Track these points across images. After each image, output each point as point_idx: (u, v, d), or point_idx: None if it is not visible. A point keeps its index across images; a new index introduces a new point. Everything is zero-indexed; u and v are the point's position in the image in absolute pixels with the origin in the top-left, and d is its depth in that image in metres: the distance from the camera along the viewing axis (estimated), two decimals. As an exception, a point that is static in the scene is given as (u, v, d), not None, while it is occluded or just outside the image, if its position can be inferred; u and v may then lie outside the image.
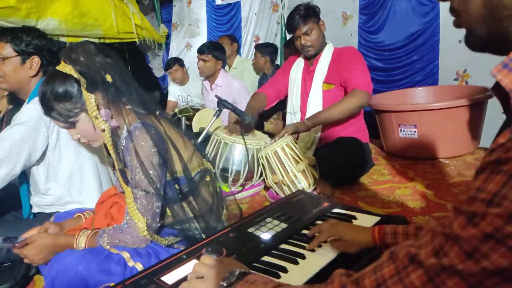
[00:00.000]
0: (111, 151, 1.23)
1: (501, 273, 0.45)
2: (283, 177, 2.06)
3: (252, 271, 0.79)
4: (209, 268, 0.79)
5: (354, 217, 1.26)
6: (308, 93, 2.40)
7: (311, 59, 2.43)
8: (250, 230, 1.17)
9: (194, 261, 0.97)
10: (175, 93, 4.19)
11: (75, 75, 1.16)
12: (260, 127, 2.60)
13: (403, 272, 0.54)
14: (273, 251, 1.06)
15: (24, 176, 1.67)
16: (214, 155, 2.27)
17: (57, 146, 1.57)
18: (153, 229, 1.18)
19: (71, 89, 1.18)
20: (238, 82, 3.28)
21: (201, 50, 3.21)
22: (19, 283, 1.50)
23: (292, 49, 3.09)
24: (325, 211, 1.31)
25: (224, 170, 2.27)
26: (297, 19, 2.26)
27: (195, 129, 3.05)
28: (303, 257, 1.02)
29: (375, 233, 1.00)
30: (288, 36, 3.54)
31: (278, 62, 4.04)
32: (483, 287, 0.47)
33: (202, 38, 5.31)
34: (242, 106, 2.53)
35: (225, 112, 2.55)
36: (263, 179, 2.29)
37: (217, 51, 3.20)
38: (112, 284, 1.05)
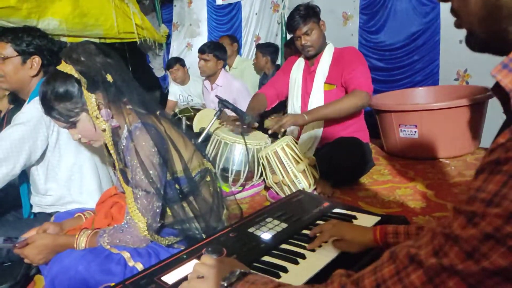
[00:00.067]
0: (111, 151, 1.23)
1: (501, 273, 0.45)
2: (283, 177, 2.06)
3: (252, 271, 0.79)
4: (209, 268, 0.79)
5: (355, 217, 1.26)
6: (309, 93, 2.39)
7: (312, 59, 2.43)
8: (251, 230, 1.17)
9: (194, 261, 0.97)
10: (176, 93, 4.20)
11: (76, 75, 1.16)
12: (260, 127, 2.60)
13: (403, 272, 0.54)
14: (273, 251, 1.06)
15: (24, 176, 1.67)
16: (215, 155, 2.27)
17: (57, 146, 1.57)
18: (153, 229, 1.18)
19: (72, 89, 1.18)
20: (238, 82, 3.28)
21: (202, 50, 3.22)
22: (20, 283, 1.50)
23: (292, 49, 3.09)
24: (325, 211, 1.31)
25: (225, 170, 2.27)
26: (297, 19, 2.26)
27: (196, 129, 3.05)
28: (303, 257, 1.02)
29: (377, 233, 1.00)
30: (289, 36, 3.54)
31: (278, 62, 4.04)
32: (483, 287, 0.47)
33: (202, 38, 5.31)
34: (243, 106, 2.53)
35: (226, 112, 2.56)
36: (264, 179, 2.29)
37: (218, 50, 3.20)
38: (113, 284, 1.05)
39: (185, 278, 0.86)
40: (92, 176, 1.65)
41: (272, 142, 2.25)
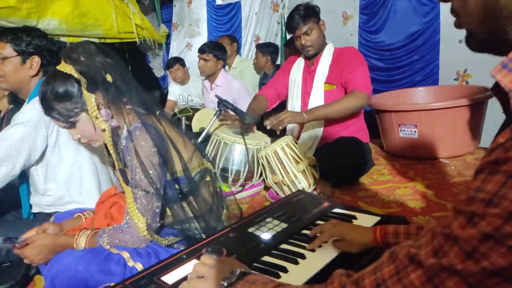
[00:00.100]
0: (111, 151, 1.23)
1: (500, 273, 0.45)
2: (283, 177, 2.06)
3: (252, 271, 0.79)
4: (209, 268, 0.79)
5: (354, 217, 1.25)
6: (309, 93, 2.39)
7: (312, 59, 2.43)
8: (250, 230, 1.17)
9: (194, 261, 0.97)
10: (176, 93, 4.20)
11: (76, 75, 1.16)
12: (260, 126, 2.60)
13: (402, 272, 0.54)
14: (273, 251, 1.06)
15: (24, 176, 1.67)
16: (214, 155, 2.27)
17: (56, 146, 1.57)
18: (153, 229, 1.18)
19: (72, 89, 1.18)
20: (238, 82, 3.28)
21: (202, 50, 3.22)
22: (19, 283, 1.50)
23: (292, 48, 3.09)
24: (325, 211, 1.31)
25: (224, 170, 2.27)
26: (297, 19, 2.26)
27: (195, 129, 3.05)
28: (303, 257, 1.02)
29: (377, 233, 1.00)
30: (289, 36, 3.54)
31: (278, 62, 4.04)
32: (483, 287, 0.47)
33: (202, 38, 5.31)
34: (242, 106, 2.53)
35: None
36: (263, 179, 2.29)
37: (218, 50, 3.20)
38: (112, 284, 1.05)
39: (185, 278, 0.86)
40: (92, 176, 1.65)
41: (272, 142, 2.25)
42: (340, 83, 2.30)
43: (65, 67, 1.18)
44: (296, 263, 0.99)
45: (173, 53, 5.49)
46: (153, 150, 1.16)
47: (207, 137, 2.37)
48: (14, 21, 3.31)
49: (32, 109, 1.51)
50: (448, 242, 0.49)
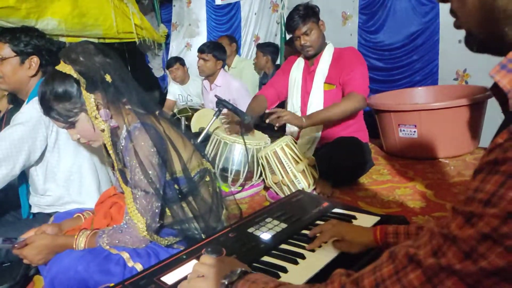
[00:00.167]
0: (110, 151, 1.23)
1: (498, 273, 0.45)
2: (282, 177, 2.06)
3: (253, 271, 0.79)
4: (209, 267, 0.79)
5: (354, 217, 1.25)
6: (309, 93, 2.40)
7: (312, 59, 2.43)
8: (250, 230, 1.17)
9: (194, 261, 0.97)
10: (175, 92, 4.20)
11: (75, 75, 1.16)
12: (260, 126, 2.60)
13: (401, 272, 0.54)
14: (273, 251, 1.06)
15: (23, 176, 1.66)
16: (214, 155, 2.27)
17: (56, 146, 1.57)
18: (152, 229, 1.18)
19: (71, 89, 1.18)
20: (237, 82, 3.28)
21: (201, 50, 3.22)
22: (19, 283, 1.49)
23: (293, 47, 3.09)
24: (325, 211, 1.31)
25: (224, 170, 2.27)
26: (296, 19, 2.26)
27: (194, 129, 3.05)
28: (303, 257, 1.02)
29: (377, 233, 1.00)
30: (288, 36, 3.54)
31: (278, 62, 4.05)
32: (481, 287, 0.47)
33: (201, 38, 5.31)
34: (242, 106, 2.53)
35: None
36: (263, 179, 2.29)
37: (217, 51, 3.20)
38: (112, 284, 1.05)
39: (184, 279, 0.86)
40: (91, 176, 1.64)
41: (271, 142, 2.25)
42: (339, 83, 2.30)
43: (64, 67, 1.18)
44: (296, 263, 0.99)
45: (173, 53, 5.49)
46: (152, 150, 1.15)
47: (207, 137, 2.37)
48: (13, 21, 3.30)
49: (31, 109, 1.50)
50: (447, 242, 0.49)
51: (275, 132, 2.28)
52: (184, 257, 1.02)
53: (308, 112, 2.37)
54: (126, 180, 1.21)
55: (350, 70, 2.23)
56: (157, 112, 1.29)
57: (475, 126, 2.59)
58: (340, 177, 2.17)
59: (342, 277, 0.63)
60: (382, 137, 2.92)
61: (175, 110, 3.79)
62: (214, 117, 2.34)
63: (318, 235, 1.10)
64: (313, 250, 1.06)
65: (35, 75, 1.62)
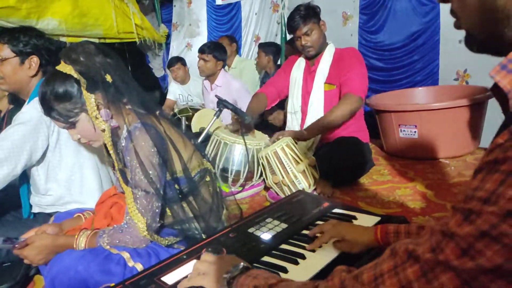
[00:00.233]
0: (111, 151, 1.23)
1: (495, 270, 0.45)
2: (283, 177, 2.06)
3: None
4: (210, 264, 0.79)
5: (354, 217, 1.26)
6: (310, 93, 2.40)
7: (312, 59, 2.43)
8: (250, 230, 1.17)
9: (194, 261, 0.97)
10: (176, 92, 4.20)
11: (75, 75, 1.16)
12: (260, 126, 2.60)
13: (400, 267, 0.55)
14: (273, 252, 1.06)
15: (24, 176, 1.67)
16: (214, 155, 2.27)
17: (57, 146, 1.57)
18: (153, 229, 1.18)
19: (71, 89, 1.18)
20: (238, 82, 3.28)
21: (202, 50, 3.22)
22: (19, 283, 1.50)
23: (294, 47, 3.09)
24: (325, 211, 1.31)
25: (224, 170, 2.27)
26: (297, 19, 2.26)
27: (194, 129, 3.05)
28: (303, 257, 1.02)
29: (378, 232, 1.00)
30: (289, 36, 3.54)
31: (279, 62, 4.05)
32: (476, 283, 0.47)
33: (202, 38, 5.31)
34: (242, 106, 2.53)
35: (227, 112, 2.55)
36: (263, 179, 2.29)
37: (217, 51, 3.20)
38: (112, 284, 1.05)
39: (185, 279, 0.86)
40: (93, 176, 1.65)
41: (269, 142, 2.25)
42: (339, 83, 2.30)
43: (64, 67, 1.18)
44: (296, 263, 0.99)
45: (173, 53, 5.49)
46: (152, 150, 1.16)
47: (207, 137, 2.37)
48: (14, 21, 3.30)
49: (32, 109, 1.51)
50: (445, 239, 0.50)
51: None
52: (185, 257, 1.02)
53: (309, 112, 2.37)
54: (127, 180, 1.21)
55: (347, 71, 2.24)
56: (157, 112, 1.29)
57: (475, 127, 2.59)
58: (341, 177, 2.17)
59: (342, 273, 0.64)
60: (383, 137, 2.92)
61: (176, 110, 3.79)
62: (215, 117, 2.34)
63: (318, 235, 1.10)
64: (313, 250, 1.06)
65: (35, 75, 1.62)
